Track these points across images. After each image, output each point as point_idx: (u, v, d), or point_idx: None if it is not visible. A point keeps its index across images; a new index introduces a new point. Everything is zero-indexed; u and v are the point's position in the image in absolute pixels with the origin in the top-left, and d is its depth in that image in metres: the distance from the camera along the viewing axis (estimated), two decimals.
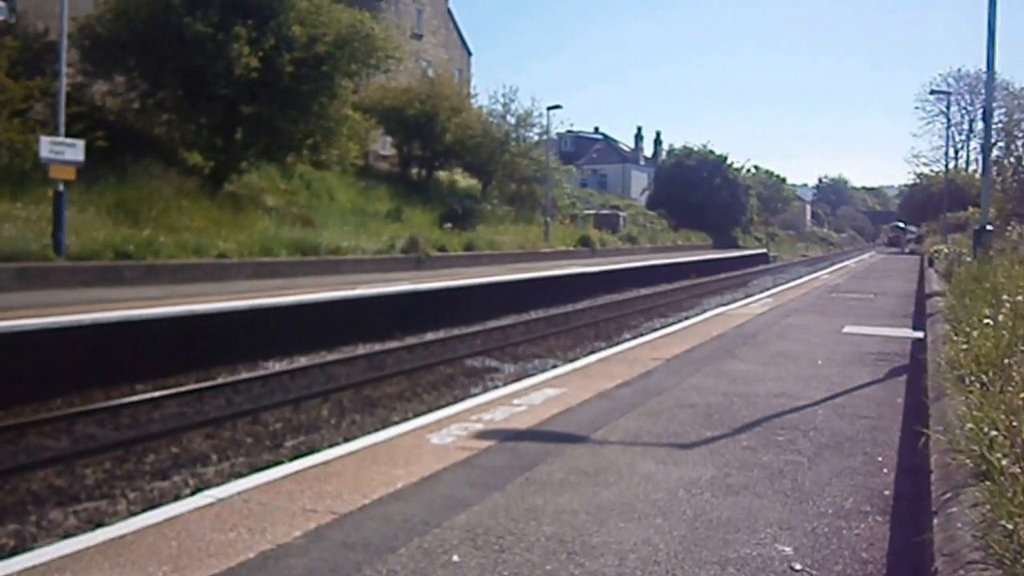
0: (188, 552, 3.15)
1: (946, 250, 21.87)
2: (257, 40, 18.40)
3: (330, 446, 6.24)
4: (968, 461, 3.11)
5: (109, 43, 18.45)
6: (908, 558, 3.12)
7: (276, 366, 11.02)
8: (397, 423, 6.21)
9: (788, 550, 3.24)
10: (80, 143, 13.88)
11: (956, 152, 62.04)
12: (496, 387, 9.19)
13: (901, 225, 79.55)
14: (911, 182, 63.91)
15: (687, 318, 14.45)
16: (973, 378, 4.47)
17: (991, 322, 5.72)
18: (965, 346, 5.38)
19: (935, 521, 2.70)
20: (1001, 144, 30.82)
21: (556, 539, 3.31)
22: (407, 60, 27.54)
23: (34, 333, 8.74)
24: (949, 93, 54.45)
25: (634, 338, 11.99)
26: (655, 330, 12.52)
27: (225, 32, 17.89)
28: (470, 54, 44.88)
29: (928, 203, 51.33)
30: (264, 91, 19.16)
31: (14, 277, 12.30)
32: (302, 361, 11.36)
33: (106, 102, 20.11)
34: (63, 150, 13.57)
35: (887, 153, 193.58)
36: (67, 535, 5.28)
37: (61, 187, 13.50)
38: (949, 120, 55.61)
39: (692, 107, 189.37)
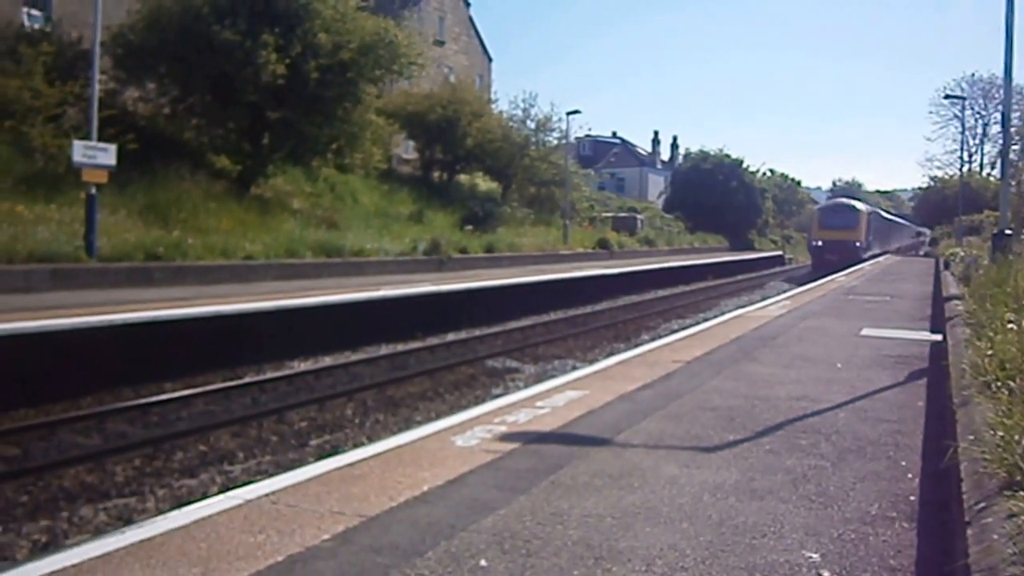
0: (217, 554, 3.17)
1: (962, 253, 21.56)
2: (284, 47, 18.61)
3: (355, 446, 6.32)
4: (1000, 470, 3.07)
5: (141, 51, 18.74)
6: (937, 567, 3.09)
7: (301, 366, 11.14)
8: (421, 424, 6.26)
9: (815, 556, 3.23)
10: (112, 147, 14.13)
11: (970, 156, 61.44)
12: (517, 388, 9.24)
13: (851, 203, 39.52)
14: (925, 185, 63.08)
15: (705, 320, 14.40)
16: (999, 384, 4.42)
17: (1014, 327, 5.65)
18: (989, 351, 5.32)
19: (969, 532, 2.66)
20: (1016, 148, 30.48)
21: (583, 544, 3.32)
22: (429, 66, 27.65)
23: (66, 332, 8.90)
24: (963, 98, 53.91)
25: (653, 340, 12.00)
26: (674, 332, 12.48)
27: (253, 40, 18.12)
28: (490, 60, 45.06)
29: (942, 206, 50.75)
30: (290, 97, 19.39)
31: (47, 277, 12.55)
32: (326, 361, 11.47)
33: (137, 107, 20.45)
34: (95, 154, 13.83)
35: (901, 157, 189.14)
36: (97, 532, 5.40)
37: (93, 190, 13.74)
38: (963, 124, 55.04)
39: (708, 111, 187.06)
